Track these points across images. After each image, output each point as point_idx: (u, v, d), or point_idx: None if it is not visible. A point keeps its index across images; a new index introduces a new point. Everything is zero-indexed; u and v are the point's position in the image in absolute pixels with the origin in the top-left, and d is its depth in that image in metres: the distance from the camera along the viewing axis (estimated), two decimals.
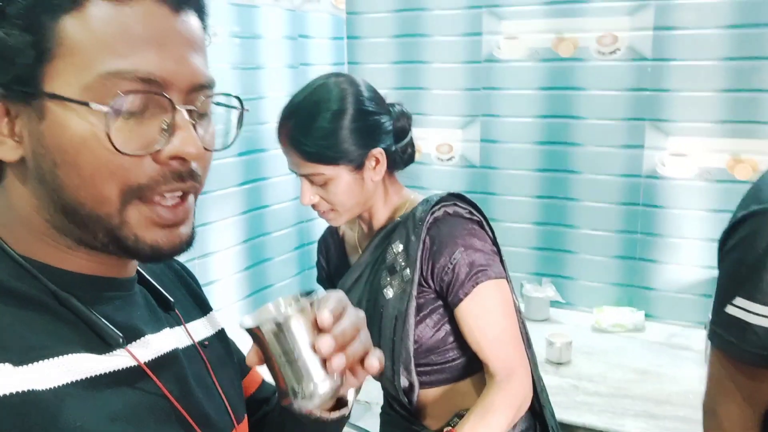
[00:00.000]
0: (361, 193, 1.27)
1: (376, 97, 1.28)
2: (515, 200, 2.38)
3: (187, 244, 0.62)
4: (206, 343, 0.76)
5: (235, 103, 0.65)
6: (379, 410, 1.48)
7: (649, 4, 2.08)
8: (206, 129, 0.62)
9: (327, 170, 1.23)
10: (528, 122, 2.31)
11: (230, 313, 2.07)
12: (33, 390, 0.53)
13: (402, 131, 1.32)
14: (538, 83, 2.27)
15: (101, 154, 0.55)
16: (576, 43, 2.19)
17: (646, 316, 2.22)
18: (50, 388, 0.54)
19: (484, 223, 1.30)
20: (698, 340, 2.01)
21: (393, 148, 1.29)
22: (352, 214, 1.31)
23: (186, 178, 0.59)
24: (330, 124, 1.21)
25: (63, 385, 0.55)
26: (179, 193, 0.60)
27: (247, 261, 2.16)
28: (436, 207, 1.26)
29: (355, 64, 2.58)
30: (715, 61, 2.01)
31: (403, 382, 1.31)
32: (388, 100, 1.32)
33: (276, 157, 2.25)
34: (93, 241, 0.59)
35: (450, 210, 1.27)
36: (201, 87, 0.60)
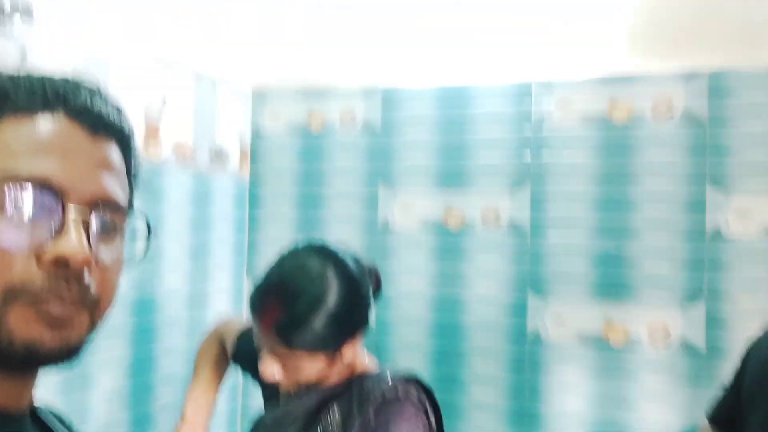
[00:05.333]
0: (328, 370, 1.26)
1: (364, 275, 1.25)
2: (408, 360, 2.42)
3: (72, 350, 0.58)
4: None
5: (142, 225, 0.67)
6: None
7: (526, 183, 2.34)
8: (110, 244, 0.61)
9: (306, 356, 1.21)
10: (419, 288, 2.44)
11: None
12: None
13: (377, 290, 1.31)
14: (430, 252, 2.43)
15: None
16: (463, 217, 2.40)
17: None
18: None
19: (431, 411, 1.29)
20: None
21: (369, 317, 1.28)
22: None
23: (72, 283, 0.56)
24: (326, 324, 1.18)
25: None
26: (68, 299, 0.57)
27: None
28: (387, 389, 1.25)
29: (256, 230, 2.66)
30: (586, 235, 2.25)
31: None
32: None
33: (172, 316, 2.22)
34: None
35: (401, 394, 1.25)
36: (106, 204, 0.60)
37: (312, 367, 1.23)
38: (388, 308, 2.46)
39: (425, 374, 2.36)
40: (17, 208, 0.55)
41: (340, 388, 1.31)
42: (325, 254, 1.24)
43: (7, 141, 0.56)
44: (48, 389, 1.78)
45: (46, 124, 0.58)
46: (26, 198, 0.55)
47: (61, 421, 0.76)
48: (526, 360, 2.30)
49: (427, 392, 1.33)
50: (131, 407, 2.07)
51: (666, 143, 2.20)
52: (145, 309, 2.11)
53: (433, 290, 2.42)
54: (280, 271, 1.23)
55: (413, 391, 1.28)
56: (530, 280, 2.31)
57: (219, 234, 2.50)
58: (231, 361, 1.52)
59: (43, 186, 0.56)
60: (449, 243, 2.41)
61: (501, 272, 2.34)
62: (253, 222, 2.68)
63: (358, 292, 1.22)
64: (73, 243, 0.55)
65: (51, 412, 0.73)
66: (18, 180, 0.55)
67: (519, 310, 2.32)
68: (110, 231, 0.61)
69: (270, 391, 1.43)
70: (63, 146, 0.58)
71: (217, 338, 1.53)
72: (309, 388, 1.32)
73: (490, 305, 2.35)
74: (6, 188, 0.54)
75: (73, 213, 0.56)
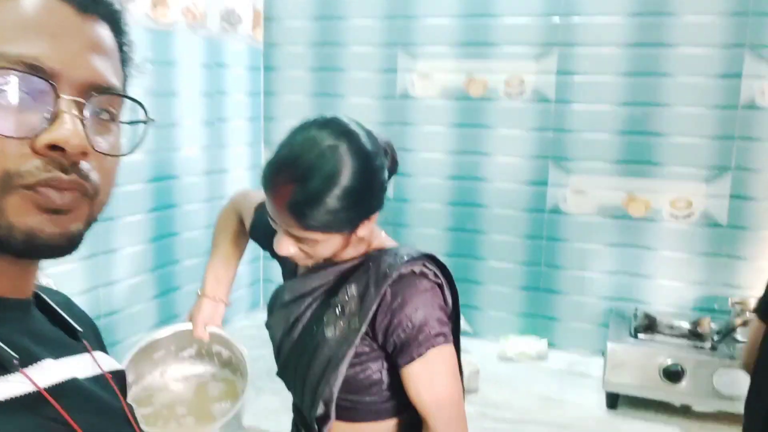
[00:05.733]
0: (343, 247, 1.25)
1: (379, 153, 1.19)
2: (426, 232, 2.45)
3: (72, 240, 0.57)
4: (110, 375, 0.73)
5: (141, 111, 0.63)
6: None
7: (553, 50, 2.22)
8: (105, 133, 0.60)
9: (321, 237, 1.19)
10: (439, 158, 2.40)
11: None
12: None
13: (392, 170, 1.26)
14: (450, 120, 2.36)
15: None
16: (486, 84, 2.30)
17: (549, 344, 2.31)
18: None
19: (447, 287, 1.30)
20: (596, 367, 2.12)
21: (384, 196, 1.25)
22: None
23: (70, 171, 0.55)
24: (340, 203, 1.14)
25: None
26: (66, 187, 0.55)
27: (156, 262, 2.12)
28: (404, 265, 1.24)
29: (271, 95, 2.60)
30: (612, 106, 2.17)
31: (319, 410, 1.31)
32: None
33: (189, 186, 2.23)
34: None
35: (417, 269, 1.24)
36: (99, 88, 0.58)
37: (326, 246, 1.23)
38: (406, 178, 2.44)
39: (443, 244, 2.43)
40: (6, 93, 0.53)
41: (357, 264, 1.31)
42: (339, 129, 1.17)
43: None
44: (73, 261, 1.82)
45: (32, 1, 0.55)
46: (16, 82, 0.53)
47: (66, 303, 0.76)
48: (545, 231, 2.30)
49: (443, 269, 1.33)
50: (154, 275, 2.13)
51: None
52: (163, 179, 2.11)
53: (453, 159, 2.38)
54: (291, 147, 1.17)
55: (429, 268, 1.29)
56: (552, 150, 2.25)
57: (234, 101, 2.44)
58: (248, 236, 1.52)
59: (34, 69, 0.53)
60: (470, 111, 2.33)
61: (523, 142, 2.28)
62: (269, 88, 2.60)
63: (372, 170, 1.18)
64: (68, 129, 0.54)
65: (53, 296, 0.73)
66: (6, 63, 0.52)
67: (539, 181, 2.28)
68: (105, 118, 0.59)
69: (288, 266, 1.44)
70: (52, 26, 0.55)
71: (235, 211, 1.52)
72: (326, 263, 1.33)
73: (510, 175, 2.32)
74: None
75: (66, 98, 0.54)
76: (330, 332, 1.29)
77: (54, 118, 0.54)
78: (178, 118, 2.15)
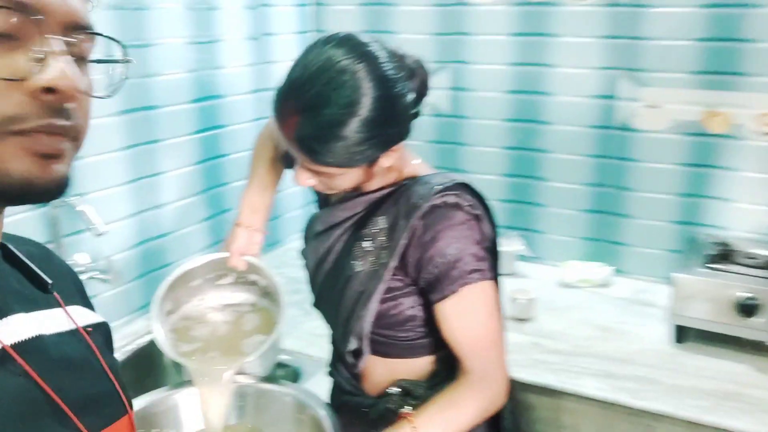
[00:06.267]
0: (366, 178, 1.17)
1: (399, 73, 1.08)
2: (484, 151, 2.31)
3: (62, 185, 0.57)
4: (90, 329, 0.70)
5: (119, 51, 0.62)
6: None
7: None
8: (84, 73, 0.58)
9: (336, 171, 1.10)
10: (499, 70, 2.21)
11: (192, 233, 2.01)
12: None
13: (421, 94, 1.14)
14: (510, 29, 2.17)
15: None
16: None
17: (615, 271, 2.17)
18: None
19: (486, 219, 1.20)
20: (664, 297, 1.98)
21: (411, 125, 1.14)
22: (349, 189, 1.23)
23: (60, 115, 0.54)
24: (355, 136, 1.04)
25: None
26: (59, 132, 0.55)
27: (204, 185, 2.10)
28: (436, 195, 1.15)
29: (323, 5, 2.45)
30: (693, 8, 1.91)
31: (352, 345, 1.26)
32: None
33: (236, 105, 2.16)
34: None
35: (451, 200, 1.15)
36: (79, 27, 0.56)
37: (344, 179, 1.14)
38: (463, 92, 2.28)
39: (502, 164, 2.28)
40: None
41: (387, 194, 1.22)
42: (356, 49, 1.05)
43: None
44: (116, 185, 1.80)
45: None
46: (3, 22, 0.51)
47: (43, 255, 0.74)
48: (613, 149, 2.11)
49: (480, 199, 1.22)
50: (203, 197, 2.10)
51: None
52: (207, 98, 2.05)
53: (513, 71, 2.19)
54: (300, 70, 1.06)
55: (465, 197, 1.18)
56: (623, 60, 2.03)
57: (281, 12, 2.31)
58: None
59: (21, 6, 0.51)
60: (532, 14, 2.12)
61: (590, 51, 2.07)
62: (321, 22, 2.45)
63: (393, 97, 1.06)
64: (61, 70, 0.53)
65: (26, 246, 0.71)
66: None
67: (608, 95, 2.08)
68: (85, 59, 0.59)
69: (321, 194, 1.37)
70: None
71: (270, 136, 1.45)
72: (356, 192, 1.24)
73: (575, 88, 2.12)
74: None
75: (54, 38, 0.53)
76: (359, 266, 1.22)
77: (45, 60, 0.52)
78: (220, 33, 2.06)
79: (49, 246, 1.61)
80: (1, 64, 0.51)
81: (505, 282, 2.12)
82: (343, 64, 1.03)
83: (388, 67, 1.07)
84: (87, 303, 0.76)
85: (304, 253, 1.37)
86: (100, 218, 1.54)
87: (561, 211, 2.24)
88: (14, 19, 0.51)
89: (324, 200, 1.37)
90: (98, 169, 1.74)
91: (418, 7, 2.28)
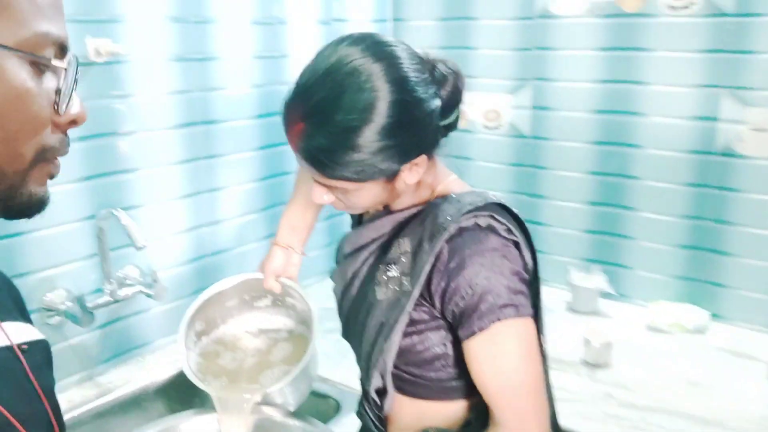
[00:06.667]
0: (388, 195, 1.04)
1: (422, 76, 0.95)
2: (568, 176, 2.11)
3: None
4: (25, 347, 0.68)
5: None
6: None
7: None
8: None
9: (351, 186, 0.98)
10: (585, 87, 2.02)
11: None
12: None
13: (450, 103, 1.01)
14: (598, 43, 1.98)
15: (34, 110, 0.54)
16: None
17: (712, 316, 1.91)
18: None
19: (523, 245, 1.04)
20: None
21: (439, 136, 1.01)
22: (373, 209, 1.12)
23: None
24: (369, 143, 0.92)
25: None
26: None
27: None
28: (466, 216, 1.00)
29: (400, 21, 2.36)
30: None
31: (376, 383, 1.13)
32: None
33: None
34: None
35: (483, 222, 1.00)
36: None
37: (360, 195, 1.01)
38: (545, 111, 2.11)
39: (586, 190, 2.08)
40: (51, 71, 0.56)
41: (414, 213, 1.09)
42: (375, 48, 0.94)
43: None
44: (173, 199, 1.77)
45: None
46: (61, 60, 0.56)
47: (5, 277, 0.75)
48: (713, 177, 1.87)
49: (519, 222, 1.06)
50: (264, 214, 2.04)
51: None
52: (272, 107, 1.99)
53: (601, 90, 2.00)
54: (309, 73, 0.95)
55: (499, 221, 1.02)
56: (726, 77, 1.79)
57: (354, 28, 2.24)
58: None
59: (63, 49, 0.56)
60: (623, 26, 1.93)
61: (690, 64, 1.84)
62: (398, 11, 2.36)
63: (413, 101, 0.94)
64: (80, 103, 0.59)
65: None
66: (50, 41, 0.55)
67: (708, 116, 1.84)
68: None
69: (356, 215, 1.27)
70: None
71: None
72: (385, 211, 1.13)
73: (671, 109, 1.89)
74: (40, 48, 0.54)
75: (73, 69, 0.57)
76: (382, 293, 1.09)
77: (69, 89, 0.57)
78: (287, 49, 2.00)
79: (95, 259, 1.63)
80: (45, 101, 0.55)
81: (586, 321, 1.94)
82: (356, 63, 0.92)
83: (409, 69, 0.94)
84: (26, 317, 0.74)
85: (333, 277, 1.26)
86: (141, 232, 1.50)
87: (651, 245, 2.00)
88: (56, 58, 0.55)
89: (357, 220, 1.26)
90: (155, 182, 1.72)
91: (499, 21, 2.14)
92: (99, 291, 1.62)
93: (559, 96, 2.07)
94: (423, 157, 0.99)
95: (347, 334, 1.25)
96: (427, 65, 0.99)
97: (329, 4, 2.14)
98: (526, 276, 1.03)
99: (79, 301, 1.54)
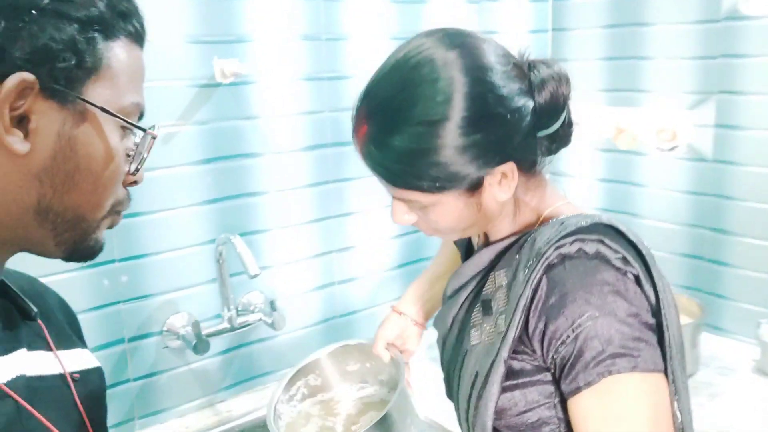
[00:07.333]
0: (476, 216, 0.88)
1: (505, 68, 0.82)
2: (759, 208, 1.74)
3: None
4: (77, 375, 0.70)
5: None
6: None
7: None
8: None
9: (425, 199, 0.85)
10: None
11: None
12: None
13: (550, 111, 0.84)
14: None
15: (121, 169, 0.62)
16: None
17: None
18: None
19: (644, 278, 0.81)
20: None
21: (533, 147, 0.85)
22: (466, 235, 0.96)
23: None
24: (436, 141, 0.79)
25: None
26: None
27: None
28: (568, 239, 0.81)
29: (561, 31, 2.13)
30: None
31: None
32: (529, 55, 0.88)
33: None
34: (43, 240, 0.60)
35: (590, 249, 0.81)
36: None
37: (442, 212, 0.86)
38: (731, 131, 1.76)
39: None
40: (132, 134, 0.63)
41: (513, 241, 0.91)
42: (448, 38, 0.82)
43: (128, 63, 0.60)
44: (303, 258, 1.70)
45: (134, 46, 0.62)
46: (137, 126, 0.63)
47: (32, 285, 0.76)
48: None
49: (637, 250, 0.83)
50: (398, 272, 1.91)
51: None
52: None
53: None
54: (379, 70, 0.85)
55: (612, 248, 0.80)
56: None
57: (510, 6, 2.05)
58: None
59: (142, 114, 0.64)
60: None
61: None
62: (558, 20, 2.14)
63: (496, 97, 0.79)
64: (140, 165, 0.64)
65: (20, 279, 0.73)
66: (137, 110, 0.62)
67: None
68: None
69: (461, 249, 1.11)
70: (143, 72, 0.64)
71: None
72: (486, 242, 0.96)
73: None
74: (130, 116, 0.61)
75: (138, 134, 0.63)
76: (476, 337, 0.92)
77: (136, 150, 0.64)
78: None
79: (215, 284, 1.60)
80: (124, 160, 0.62)
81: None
82: (429, 53, 0.80)
83: (492, 60, 0.81)
84: (82, 341, 0.77)
85: (435, 325, 1.09)
86: (255, 259, 1.44)
87: None
88: (138, 125, 0.62)
89: (466, 255, 1.09)
90: (282, 206, 1.66)
91: (678, 25, 1.83)
92: (218, 317, 1.59)
93: (750, 112, 1.71)
94: (511, 166, 0.82)
95: (449, 391, 1.07)
96: (522, 65, 0.84)
97: (482, 16, 1.97)
98: (651, 320, 0.80)
99: (195, 327, 1.51)
